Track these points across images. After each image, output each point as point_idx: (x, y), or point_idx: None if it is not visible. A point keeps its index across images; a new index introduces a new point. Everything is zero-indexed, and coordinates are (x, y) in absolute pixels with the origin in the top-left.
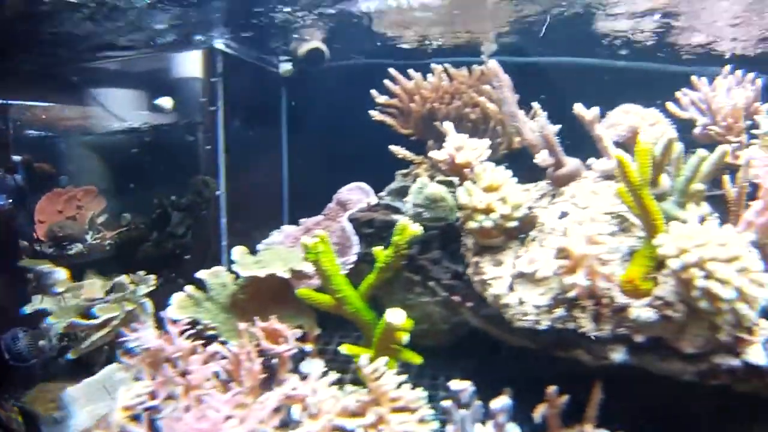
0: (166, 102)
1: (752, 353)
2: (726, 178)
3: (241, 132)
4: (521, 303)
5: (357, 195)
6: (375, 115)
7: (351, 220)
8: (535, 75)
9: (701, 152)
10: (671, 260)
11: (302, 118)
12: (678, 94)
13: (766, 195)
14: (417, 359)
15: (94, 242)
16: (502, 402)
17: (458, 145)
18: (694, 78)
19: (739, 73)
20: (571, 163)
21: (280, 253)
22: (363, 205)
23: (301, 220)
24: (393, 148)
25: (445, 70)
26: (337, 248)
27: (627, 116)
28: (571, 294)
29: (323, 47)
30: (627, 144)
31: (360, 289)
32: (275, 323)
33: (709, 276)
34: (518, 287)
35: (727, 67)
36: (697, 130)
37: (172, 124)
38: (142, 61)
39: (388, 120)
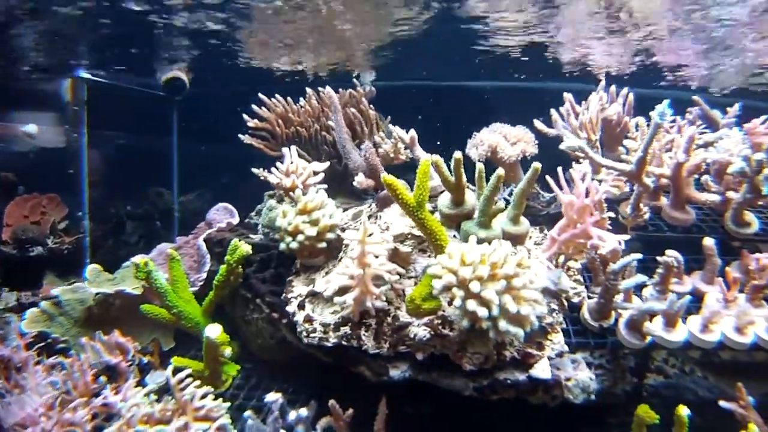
0: (31, 129)
1: (538, 368)
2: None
3: (114, 155)
4: (309, 321)
5: (221, 215)
6: (245, 138)
7: (211, 239)
8: (414, 96)
9: (498, 172)
10: (435, 281)
11: (193, 139)
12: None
13: (568, 211)
14: (233, 371)
15: (54, 246)
16: (299, 413)
17: (287, 169)
18: (565, 94)
19: (613, 88)
20: None
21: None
22: (223, 225)
23: (178, 238)
24: (255, 171)
25: (316, 94)
26: (196, 265)
27: (490, 135)
28: (346, 313)
29: (183, 76)
30: (491, 161)
31: (203, 306)
32: (117, 337)
33: (468, 296)
34: (309, 305)
35: (602, 83)
36: (562, 145)
37: (38, 150)
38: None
39: (255, 143)
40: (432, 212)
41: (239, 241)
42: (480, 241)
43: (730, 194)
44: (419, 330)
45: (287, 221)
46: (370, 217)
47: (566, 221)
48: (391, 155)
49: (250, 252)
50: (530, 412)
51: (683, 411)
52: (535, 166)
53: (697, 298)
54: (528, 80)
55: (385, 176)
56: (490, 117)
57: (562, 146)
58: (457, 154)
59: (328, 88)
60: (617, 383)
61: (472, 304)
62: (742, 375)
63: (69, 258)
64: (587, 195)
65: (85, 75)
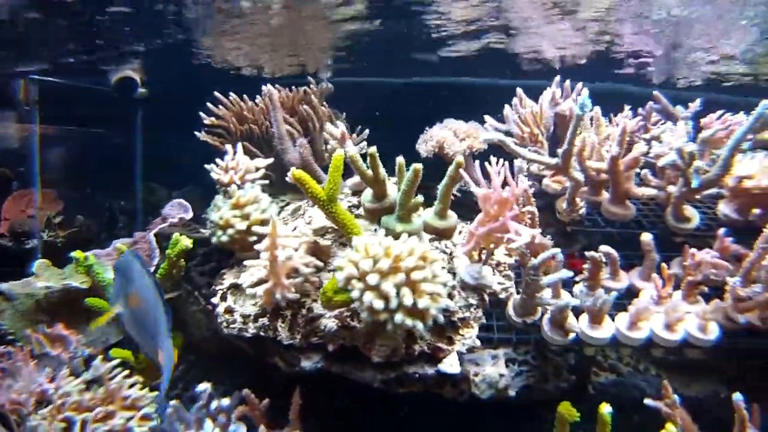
0: None
1: (446, 362)
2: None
3: (72, 155)
4: (230, 312)
5: (176, 210)
6: (200, 135)
7: (164, 233)
8: (372, 93)
9: (416, 166)
10: (338, 273)
11: (156, 139)
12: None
13: (484, 205)
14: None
15: (49, 239)
16: (221, 403)
17: (226, 165)
18: (518, 89)
19: (567, 83)
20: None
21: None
22: (176, 220)
23: (135, 233)
24: (207, 166)
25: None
26: (148, 259)
27: (440, 131)
28: (258, 303)
29: (134, 76)
30: (439, 157)
31: None
32: (60, 330)
33: (366, 288)
34: (232, 297)
35: (557, 78)
36: (481, 138)
37: None
38: None
39: (210, 140)
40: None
41: (181, 235)
42: (397, 236)
43: (670, 188)
44: (329, 322)
45: (219, 215)
46: (295, 211)
47: (484, 215)
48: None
49: (190, 246)
50: (461, 406)
51: (605, 409)
52: (458, 161)
53: (635, 294)
54: (491, 77)
55: (294, 171)
56: (451, 113)
57: (481, 138)
58: (372, 150)
59: (268, 86)
60: (548, 379)
61: (368, 296)
62: (696, 373)
63: (63, 250)
64: (505, 188)
65: (36, 76)
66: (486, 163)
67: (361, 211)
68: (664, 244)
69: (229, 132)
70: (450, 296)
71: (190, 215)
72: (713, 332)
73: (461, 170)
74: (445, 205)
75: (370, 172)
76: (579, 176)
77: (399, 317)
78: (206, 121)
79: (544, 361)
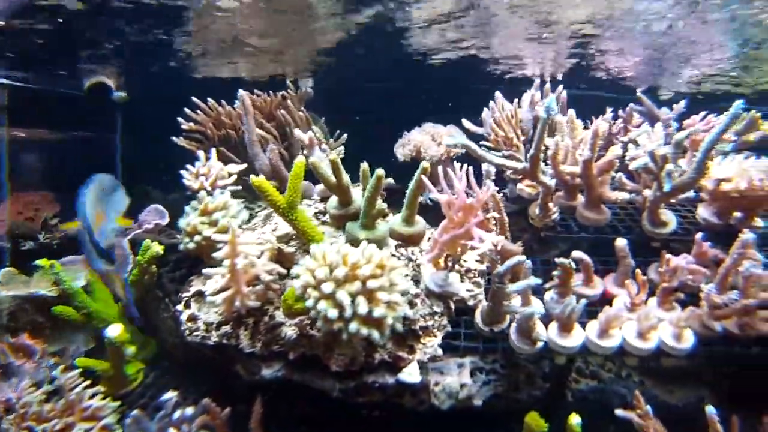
0: None
1: (406, 371)
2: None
3: (46, 159)
4: (193, 319)
5: (152, 216)
6: (178, 140)
7: (139, 239)
8: (353, 98)
9: (378, 172)
10: (295, 281)
11: (137, 142)
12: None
13: (447, 211)
14: (131, 370)
15: (45, 241)
16: (185, 412)
17: (196, 171)
18: (497, 93)
19: (547, 87)
20: None
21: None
22: (151, 226)
23: (120, 237)
24: (183, 172)
25: (249, 97)
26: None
27: (417, 135)
28: (222, 310)
29: (108, 81)
30: (417, 161)
31: (120, 306)
32: (24, 339)
33: (321, 297)
34: (195, 305)
35: (537, 82)
36: (444, 142)
37: None
38: None
39: (187, 144)
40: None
41: (153, 241)
42: (360, 243)
43: (646, 192)
44: (289, 330)
45: (186, 222)
46: (267, 217)
47: (448, 221)
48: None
49: (161, 253)
50: (426, 415)
51: (574, 420)
52: (424, 166)
53: (610, 301)
54: (475, 82)
55: (253, 179)
56: (435, 116)
57: (444, 143)
58: (333, 156)
59: (241, 92)
60: (520, 388)
61: (323, 305)
62: (680, 379)
63: (59, 252)
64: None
65: (4, 81)
66: (448, 169)
67: (328, 217)
68: (642, 249)
69: (207, 137)
70: (411, 304)
71: (165, 221)
72: (688, 340)
73: (424, 178)
74: (411, 211)
75: (333, 178)
76: (548, 181)
77: (354, 326)
78: (184, 126)
79: (514, 369)
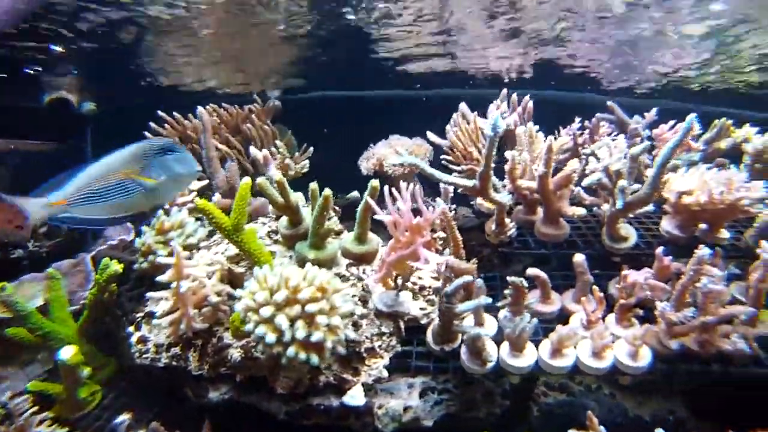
0: None
1: (349, 394)
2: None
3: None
4: (143, 341)
5: (117, 231)
6: None
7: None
8: (322, 109)
9: (325, 192)
10: (237, 304)
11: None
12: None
13: (394, 231)
14: (86, 392)
15: (33, 249)
16: None
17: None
18: (461, 105)
19: (515, 96)
20: (253, 203)
21: (22, 289)
22: (115, 242)
23: (79, 254)
24: None
25: (215, 110)
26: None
27: (382, 148)
28: (168, 333)
29: (69, 96)
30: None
31: (78, 326)
32: None
33: (260, 321)
34: (146, 326)
35: (504, 91)
36: (391, 161)
37: None
38: None
39: None
40: None
41: (111, 260)
42: (308, 263)
43: (604, 207)
44: (235, 352)
45: (141, 241)
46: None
47: (395, 241)
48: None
49: (120, 271)
50: None
51: None
52: (372, 184)
53: (567, 318)
54: (443, 88)
55: (197, 201)
56: (400, 127)
57: (390, 162)
58: (279, 176)
59: (200, 109)
60: (477, 406)
61: (261, 330)
62: (650, 392)
63: (48, 260)
64: (418, 214)
65: None
66: (393, 189)
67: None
68: (605, 263)
69: None
70: (357, 326)
71: (131, 237)
72: (645, 358)
73: (370, 200)
74: (363, 229)
75: (280, 199)
76: (500, 198)
77: (292, 351)
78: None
79: (470, 388)
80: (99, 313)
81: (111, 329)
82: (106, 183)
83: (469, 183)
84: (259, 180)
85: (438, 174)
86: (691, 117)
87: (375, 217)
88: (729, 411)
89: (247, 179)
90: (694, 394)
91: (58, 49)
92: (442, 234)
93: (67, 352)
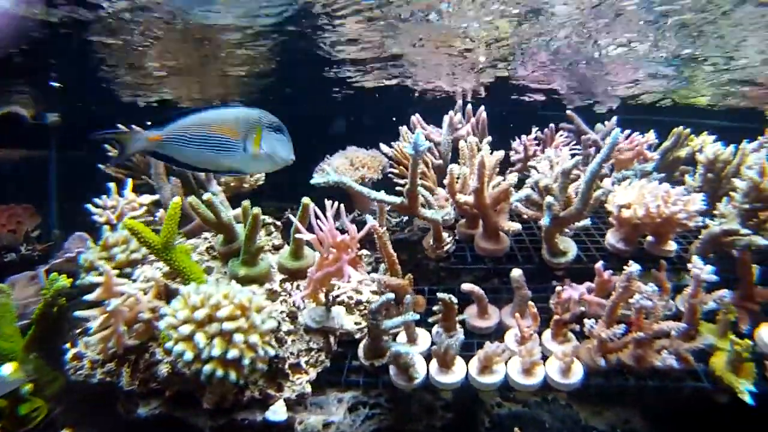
0: None
1: (271, 409)
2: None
3: None
4: (78, 358)
5: (75, 244)
6: (105, 168)
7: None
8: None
9: (254, 211)
10: (160, 322)
11: (72, 166)
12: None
13: (319, 248)
14: (28, 408)
15: (26, 253)
16: None
17: (103, 203)
18: (413, 117)
19: (469, 108)
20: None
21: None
22: (72, 255)
23: (38, 267)
24: (89, 206)
25: None
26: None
27: (337, 160)
28: (98, 350)
29: (21, 111)
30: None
31: (25, 341)
32: None
33: (178, 339)
34: (81, 343)
35: (459, 103)
36: (314, 180)
37: None
38: None
39: (113, 172)
40: None
41: (66, 273)
42: (239, 279)
43: (541, 222)
44: (164, 368)
45: (84, 257)
46: None
47: (321, 258)
48: (232, 183)
49: (68, 286)
50: None
51: None
52: (304, 202)
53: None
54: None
55: (125, 221)
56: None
57: (313, 182)
58: (207, 196)
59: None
60: (416, 419)
61: (179, 347)
62: (608, 402)
63: (39, 264)
64: (344, 232)
65: None
66: (315, 208)
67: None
68: (548, 276)
69: (135, 165)
70: (281, 342)
71: None
72: (577, 374)
73: (294, 215)
74: (298, 245)
75: (212, 216)
76: (432, 215)
77: (208, 368)
78: (111, 154)
79: (405, 402)
80: (47, 328)
81: (58, 344)
82: (205, 133)
83: (397, 200)
84: (189, 199)
85: (366, 191)
86: (616, 132)
87: (296, 236)
88: (685, 420)
89: (176, 198)
90: (650, 404)
91: None
92: (367, 251)
93: (7, 369)
